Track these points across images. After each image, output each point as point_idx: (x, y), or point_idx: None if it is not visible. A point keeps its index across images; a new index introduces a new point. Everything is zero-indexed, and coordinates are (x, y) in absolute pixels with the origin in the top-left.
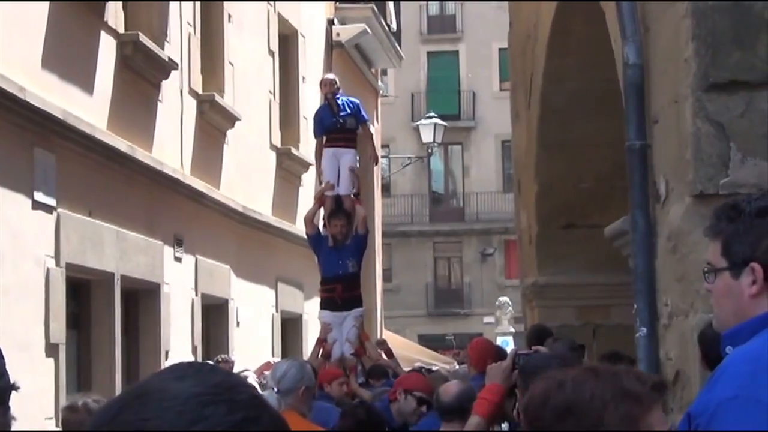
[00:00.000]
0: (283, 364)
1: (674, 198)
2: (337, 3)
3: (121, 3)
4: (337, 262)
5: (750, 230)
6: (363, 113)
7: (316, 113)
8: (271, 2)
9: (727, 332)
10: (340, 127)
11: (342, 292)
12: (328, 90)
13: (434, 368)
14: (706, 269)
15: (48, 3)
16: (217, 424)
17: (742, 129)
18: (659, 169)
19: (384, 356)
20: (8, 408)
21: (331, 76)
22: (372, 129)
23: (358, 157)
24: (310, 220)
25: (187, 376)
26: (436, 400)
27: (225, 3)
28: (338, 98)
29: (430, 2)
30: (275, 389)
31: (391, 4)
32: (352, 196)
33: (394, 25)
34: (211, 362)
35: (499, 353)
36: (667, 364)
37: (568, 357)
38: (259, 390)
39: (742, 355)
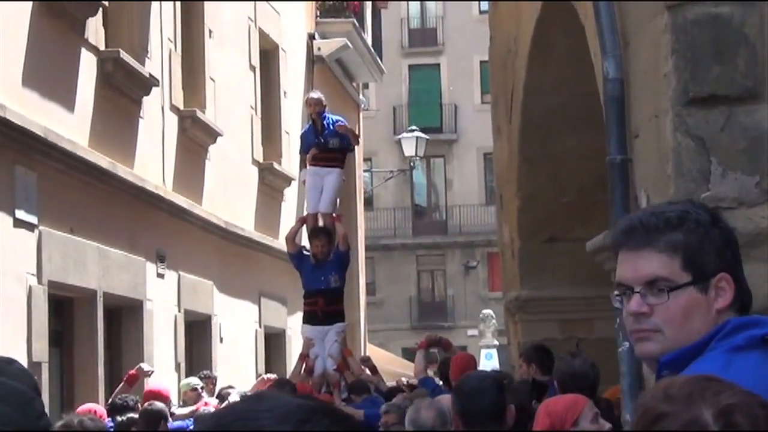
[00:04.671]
0: None
1: None
2: (318, 17)
3: (101, 20)
4: (320, 278)
5: (713, 240)
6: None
7: (303, 133)
8: (252, 17)
9: (667, 358)
10: (322, 146)
11: (324, 305)
12: (313, 110)
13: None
14: (663, 286)
15: (28, 21)
16: (324, 428)
17: (722, 143)
18: (640, 184)
19: (368, 372)
20: None
21: (315, 95)
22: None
23: (343, 178)
24: (291, 239)
25: (297, 397)
26: None
27: (205, 19)
28: (325, 117)
29: (411, 16)
30: None
31: (369, 18)
32: (333, 214)
33: (369, 39)
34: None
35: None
36: (650, 379)
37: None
38: None
39: None
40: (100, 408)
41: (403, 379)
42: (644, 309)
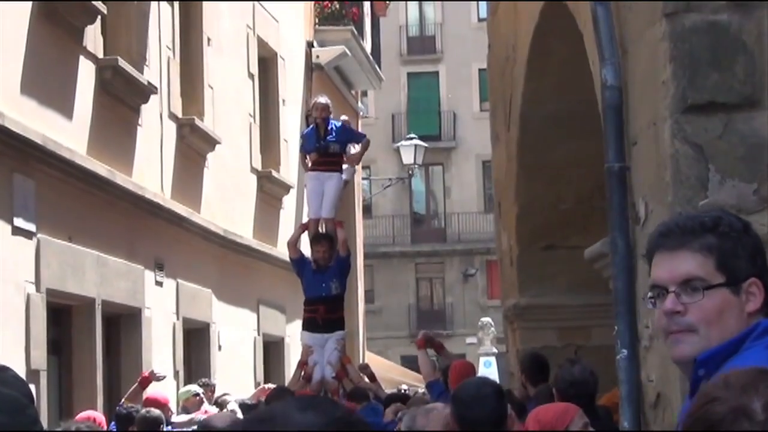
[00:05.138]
0: None
1: (653, 219)
2: (317, 25)
3: (99, 28)
4: (321, 284)
5: (745, 246)
6: (359, 133)
7: (304, 134)
8: (251, 25)
9: (704, 356)
10: (323, 150)
11: (324, 313)
12: (319, 115)
13: (420, 390)
14: (698, 285)
15: (26, 28)
16: None
17: (720, 150)
18: (638, 191)
19: (366, 380)
20: None
21: (323, 100)
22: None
23: (344, 177)
24: (293, 244)
25: (309, 408)
26: None
27: (204, 26)
28: (329, 123)
29: (410, 23)
30: None
31: (368, 26)
32: (334, 219)
33: (368, 46)
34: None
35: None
36: (648, 386)
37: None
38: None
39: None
40: (99, 415)
41: (404, 386)
42: (679, 308)
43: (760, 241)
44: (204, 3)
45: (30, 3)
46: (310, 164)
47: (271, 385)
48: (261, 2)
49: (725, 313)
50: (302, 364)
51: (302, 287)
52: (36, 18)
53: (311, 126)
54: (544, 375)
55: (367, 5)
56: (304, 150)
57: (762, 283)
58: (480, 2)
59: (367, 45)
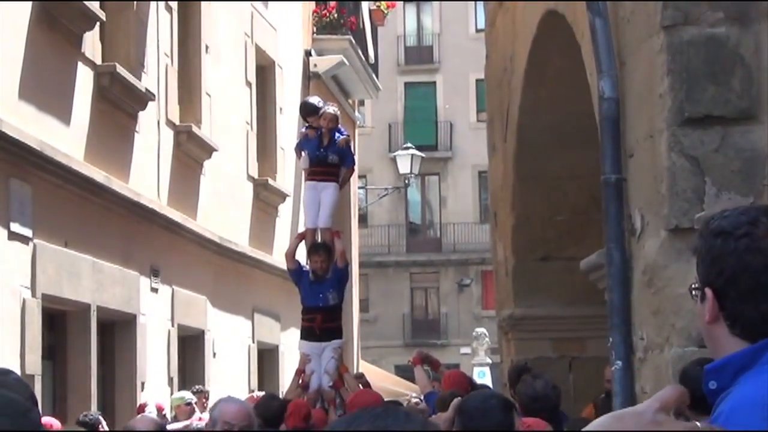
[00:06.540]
0: None
1: (650, 232)
2: (315, 34)
3: (98, 34)
4: (318, 294)
5: (708, 251)
6: (351, 156)
7: (303, 135)
8: (249, 33)
9: (711, 366)
10: (321, 160)
11: (322, 322)
12: (327, 125)
13: (413, 400)
14: (694, 285)
15: (25, 34)
16: None
17: (717, 163)
18: (635, 203)
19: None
20: None
21: (332, 110)
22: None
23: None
24: (290, 255)
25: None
26: None
27: (202, 34)
28: (335, 134)
29: (407, 33)
30: None
31: (368, 36)
32: (331, 229)
33: (372, 56)
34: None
35: (472, 385)
36: (642, 398)
37: (506, 398)
38: None
39: (746, 399)
40: (56, 422)
41: (413, 395)
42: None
43: (733, 249)
44: (202, 10)
45: (29, 9)
46: (306, 176)
47: (259, 393)
48: (258, 6)
49: (700, 318)
50: (299, 372)
51: (300, 297)
52: (35, 24)
53: (316, 133)
54: None
55: (365, 14)
56: (300, 147)
57: (714, 294)
58: (478, 13)
59: (371, 54)
